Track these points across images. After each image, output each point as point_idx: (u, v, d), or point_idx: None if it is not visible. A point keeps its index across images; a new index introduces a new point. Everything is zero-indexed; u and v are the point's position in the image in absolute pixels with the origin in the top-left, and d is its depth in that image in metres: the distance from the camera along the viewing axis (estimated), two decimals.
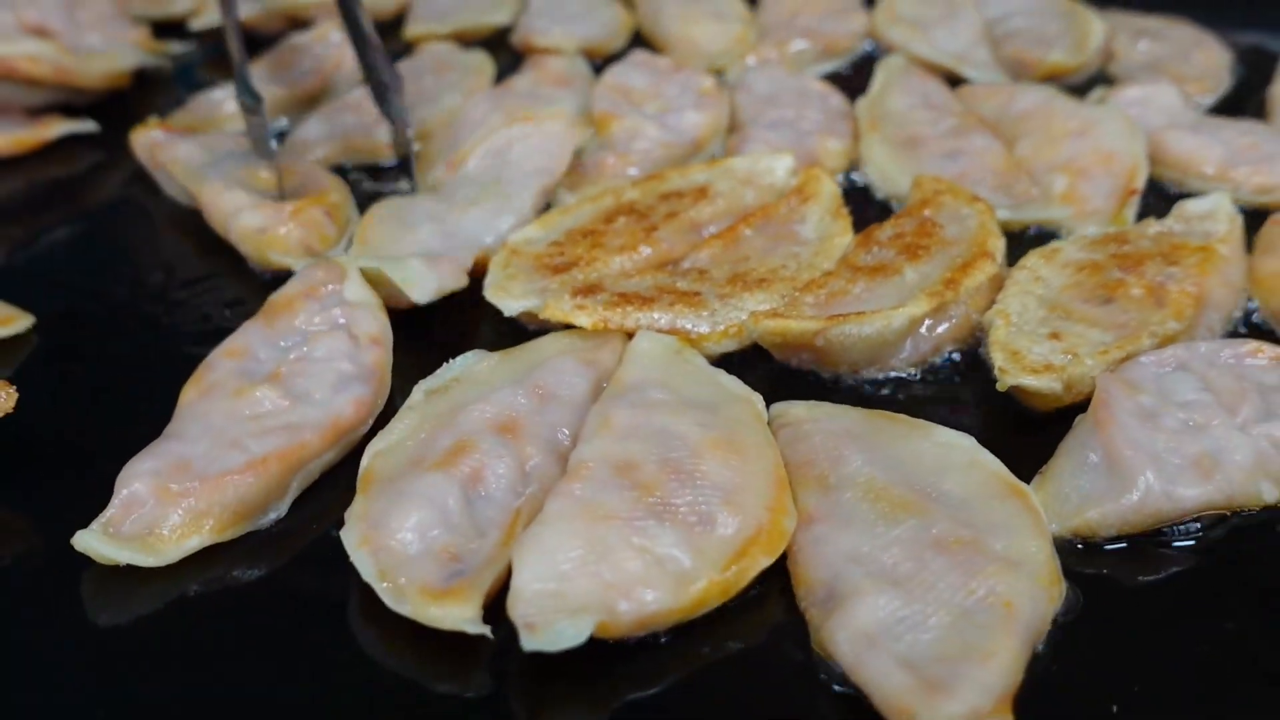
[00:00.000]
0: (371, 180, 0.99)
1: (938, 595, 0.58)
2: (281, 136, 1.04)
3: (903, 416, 0.70)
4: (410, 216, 0.86)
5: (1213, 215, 0.86)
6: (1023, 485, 0.66)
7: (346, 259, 0.81)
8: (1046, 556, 0.61)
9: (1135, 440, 0.65)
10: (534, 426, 0.68)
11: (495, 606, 0.59)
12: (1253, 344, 0.73)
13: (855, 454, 0.66)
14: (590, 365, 0.74)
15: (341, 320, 0.77)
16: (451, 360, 0.75)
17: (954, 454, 0.67)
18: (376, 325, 0.77)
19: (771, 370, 0.79)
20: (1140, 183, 0.93)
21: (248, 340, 0.75)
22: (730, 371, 0.75)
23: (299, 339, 0.76)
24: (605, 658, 0.58)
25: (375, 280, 0.81)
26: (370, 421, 0.73)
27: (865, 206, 0.93)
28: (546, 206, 0.92)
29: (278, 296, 0.79)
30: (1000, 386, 0.72)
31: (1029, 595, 0.58)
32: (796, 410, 0.72)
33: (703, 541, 0.60)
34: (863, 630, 0.56)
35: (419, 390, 0.72)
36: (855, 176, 0.99)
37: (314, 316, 0.77)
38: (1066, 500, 0.65)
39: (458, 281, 0.81)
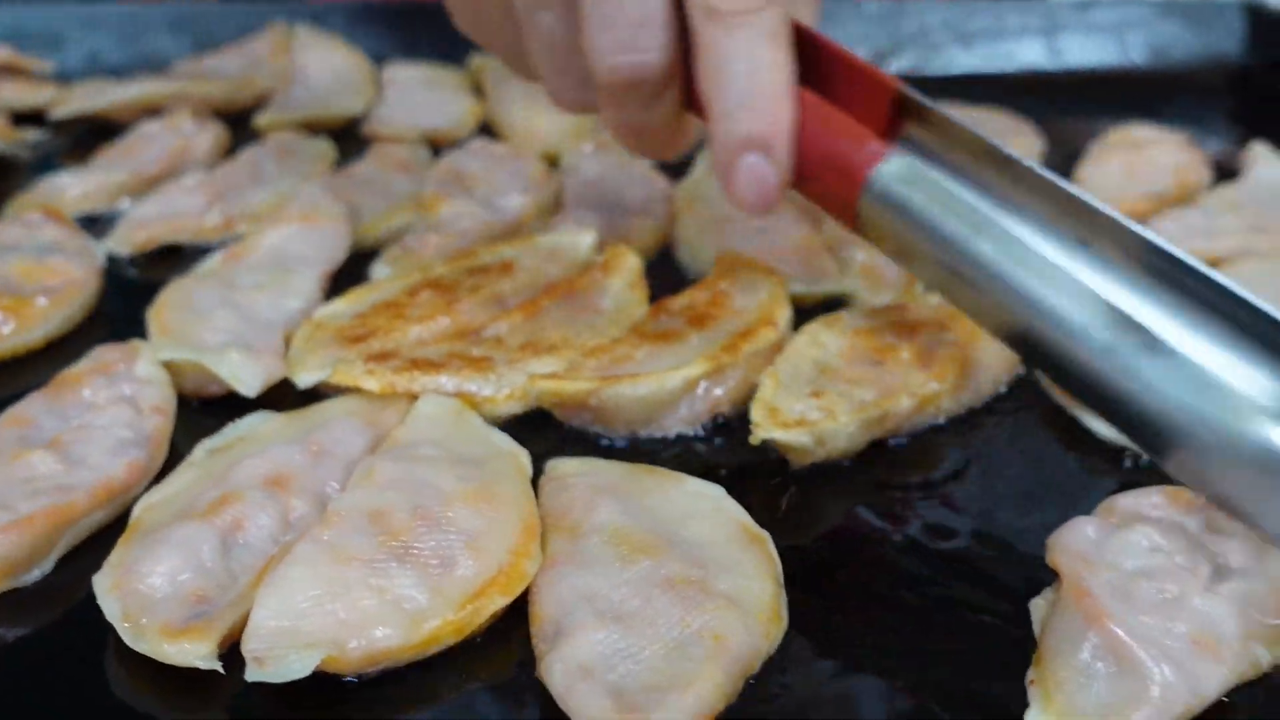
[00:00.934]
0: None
1: (656, 630, 0.60)
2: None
3: (661, 470, 0.74)
4: (200, 304, 0.89)
5: None
6: (762, 532, 0.69)
7: (152, 347, 0.84)
8: (770, 597, 0.64)
9: (1132, 628, 0.60)
10: (304, 480, 0.71)
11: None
12: (1167, 490, 0.69)
13: (608, 503, 0.70)
14: (371, 425, 0.77)
15: (128, 393, 0.80)
16: (238, 420, 0.78)
17: (700, 502, 0.70)
18: (160, 397, 0.80)
19: (561, 432, 0.82)
20: None
21: (31, 410, 0.78)
22: (520, 434, 0.78)
23: (82, 409, 0.78)
24: (347, 695, 0.61)
25: (181, 369, 0.84)
26: (144, 483, 0.75)
27: (673, 281, 0.98)
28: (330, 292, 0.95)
29: (67, 373, 0.82)
30: (753, 440, 0.76)
31: (742, 629, 0.61)
32: (567, 466, 0.75)
33: (441, 582, 0.63)
34: (578, 662, 0.59)
35: (200, 448, 0.75)
36: (666, 254, 1.03)
37: (101, 391, 0.80)
38: (1085, 714, 0.58)
39: (279, 371, 0.84)
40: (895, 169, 0.68)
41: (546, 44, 0.73)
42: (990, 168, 0.67)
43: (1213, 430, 0.59)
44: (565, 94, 0.76)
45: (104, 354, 0.83)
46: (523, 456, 0.75)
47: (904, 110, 0.68)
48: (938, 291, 0.73)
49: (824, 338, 0.85)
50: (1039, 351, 0.66)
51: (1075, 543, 0.66)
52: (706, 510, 0.70)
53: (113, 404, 0.78)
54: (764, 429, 0.75)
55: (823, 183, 0.70)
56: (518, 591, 0.65)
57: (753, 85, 0.66)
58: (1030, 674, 0.62)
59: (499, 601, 0.64)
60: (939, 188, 0.67)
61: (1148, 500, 0.70)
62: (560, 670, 0.59)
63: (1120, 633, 0.59)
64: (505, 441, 0.76)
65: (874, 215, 0.69)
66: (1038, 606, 0.66)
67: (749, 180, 0.68)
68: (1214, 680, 0.59)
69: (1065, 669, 0.60)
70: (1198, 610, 0.61)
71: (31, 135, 1.24)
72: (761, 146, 0.66)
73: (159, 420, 0.78)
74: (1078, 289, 0.63)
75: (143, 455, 0.75)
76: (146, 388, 0.80)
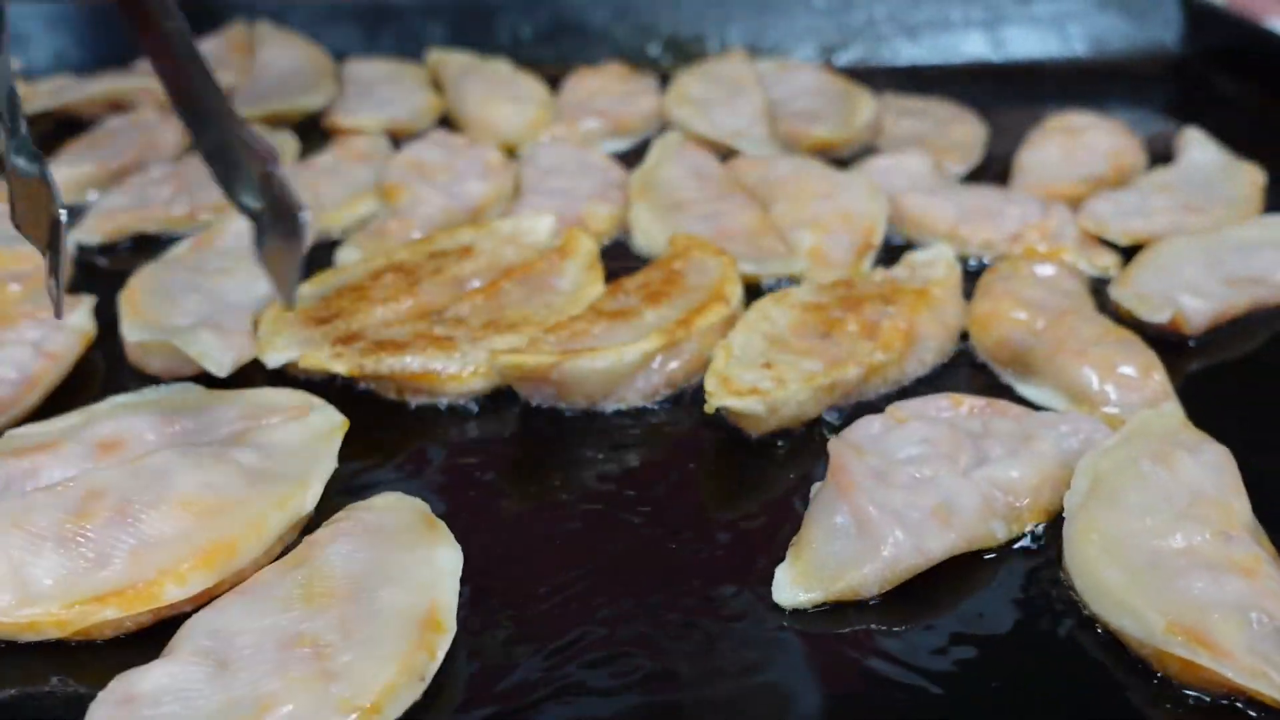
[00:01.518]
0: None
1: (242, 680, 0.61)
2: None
3: None
4: (171, 288, 0.92)
5: (933, 263, 0.95)
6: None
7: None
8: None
9: (878, 500, 0.70)
10: (126, 452, 0.74)
11: None
12: (951, 396, 0.80)
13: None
14: (245, 419, 0.78)
15: (36, 338, 0.85)
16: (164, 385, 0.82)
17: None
18: (61, 345, 0.85)
19: (525, 409, 0.85)
20: (877, 239, 1.02)
21: None
22: (486, 411, 0.84)
23: None
24: None
25: (154, 351, 0.87)
26: (2, 419, 0.80)
27: (628, 264, 1.01)
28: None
29: (10, 309, 0.87)
30: (708, 409, 0.79)
31: None
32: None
33: (78, 576, 0.65)
34: (127, 692, 0.60)
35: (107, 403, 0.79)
36: (622, 239, 1.07)
37: (24, 332, 0.85)
38: (824, 567, 0.69)
39: (249, 351, 0.87)
40: None
41: None
42: None
43: None
44: None
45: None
46: (309, 493, 0.73)
47: None
48: None
49: (773, 313, 0.89)
50: None
51: (856, 434, 0.77)
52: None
53: (18, 345, 0.84)
54: (718, 397, 0.79)
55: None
56: (134, 609, 0.64)
57: None
58: (793, 539, 0.71)
59: (108, 614, 0.64)
60: None
61: (934, 404, 0.80)
62: (103, 694, 0.59)
63: (863, 502, 0.70)
64: (320, 473, 0.75)
65: None
66: (816, 488, 0.75)
67: None
68: (940, 544, 0.70)
69: (816, 531, 0.70)
70: (944, 488, 0.72)
71: None
72: None
73: (45, 364, 0.83)
74: None
75: (6, 392, 0.81)
76: (56, 334, 0.85)
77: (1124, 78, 1.48)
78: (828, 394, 0.82)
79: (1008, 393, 0.87)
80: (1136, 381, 0.83)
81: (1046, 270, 0.96)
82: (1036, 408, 0.83)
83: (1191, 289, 0.94)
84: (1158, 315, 0.92)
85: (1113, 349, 0.85)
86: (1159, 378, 0.83)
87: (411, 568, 0.66)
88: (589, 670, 0.64)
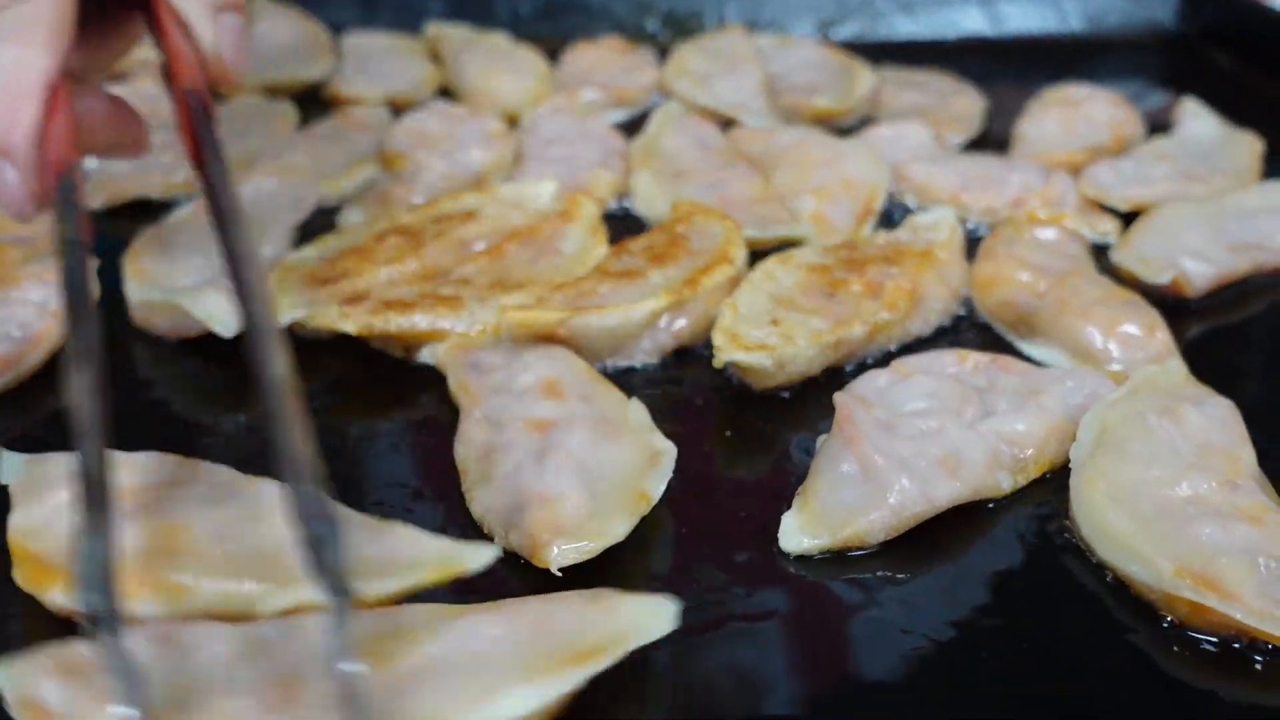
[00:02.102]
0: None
1: None
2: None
3: None
4: (175, 249, 0.91)
5: (936, 225, 0.96)
6: None
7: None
8: None
9: (884, 449, 0.71)
10: None
11: None
12: (958, 352, 0.81)
13: None
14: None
15: (40, 299, 0.85)
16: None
17: None
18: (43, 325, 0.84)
19: None
20: (878, 205, 1.03)
21: None
22: None
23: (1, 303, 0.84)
24: None
25: (159, 311, 0.86)
26: (8, 376, 0.81)
27: (630, 230, 1.01)
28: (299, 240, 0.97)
29: (21, 268, 0.87)
30: (716, 363, 0.80)
31: None
32: None
33: None
34: None
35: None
36: (625, 204, 1.07)
37: (30, 291, 0.85)
38: (832, 514, 0.69)
39: None
40: (62, 189, 0.63)
41: None
42: None
43: None
44: None
45: (55, 262, 0.87)
46: None
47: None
48: None
49: (778, 273, 0.89)
50: None
51: (862, 388, 0.77)
52: None
53: (22, 304, 0.84)
54: (726, 352, 0.79)
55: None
56: None
57: None
58: (799, 488, 0.71)
59: None
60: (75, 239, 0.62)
61: (940, 359, 0.80)
62: None
63: (870, 450, 0.70)
64: None
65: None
66: (822, 440, 0.75)
67: None
68: (946, 491, 0.70)
69: (822, 480, 0.71)
70: (951, 439, 0.72)
71: None
72: (2, 152, 0.63)
73: (50, 323, 0.83)
74: None
75: (10, 349, 0.81)
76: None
77: (1120, 53, 1.49)
78: (833, 351, 0.83)
79: (1011, 352, 0.87)
80: (1140, 339, 0.83)
81: (1048, 234, 0.97)
82: (1041, 366, 0.83)
83: (1193, 253, 0.95)
84: (1159, 277, 0.92)
85: (1116, 308, 0.85)
86: (1162, 336, 0.83)
87: None
88: None
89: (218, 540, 0.61)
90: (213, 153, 0.64)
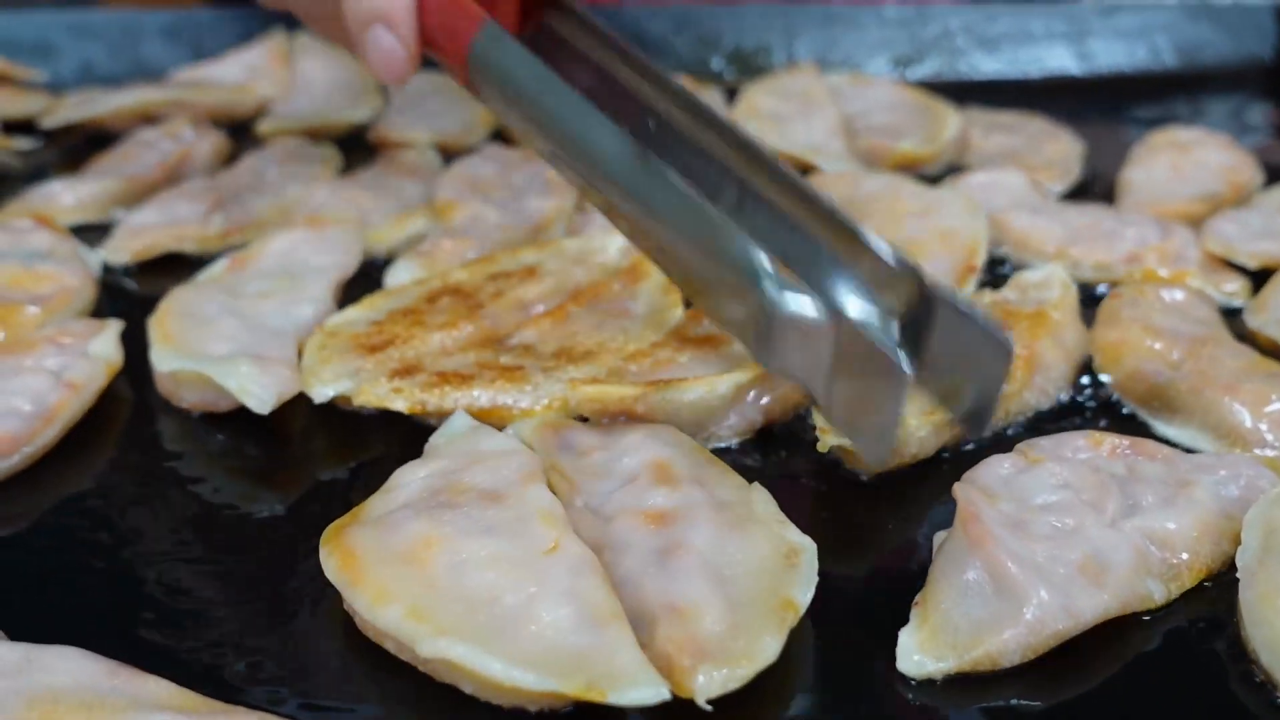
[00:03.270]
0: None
1: None
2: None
3: None
4: (205, 311, 0.82)
5: (1046, 284, 0.86)
6: None
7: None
8: None
9: (1016, 553, 0.61)
10: None
11: None
12: (1090, 434, 0.71)
13: None
14: None
15: (55, 366, 0.76)
16: None
17: None
18: (83, 374, 0.76)
19: None
20: (980, 260, 0.93)
21: None
22: None
23: (9, 371, 0.76)
24: None
25: (187, 382, 0.78)
26: (12, 455, 0.72)
27: None
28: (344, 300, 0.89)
29: (31, 335, 0.80)
30: (821, 448, 0.70)
31: None
32: None
33: None
34: None
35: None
36: None
37: (45, 359, 0.77)
38: (958, 631, 0.59)
39: (294, 386, 0.77)
40: (486, 37, 0.69)
41: None
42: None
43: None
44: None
45: (73, 326, 0.81)
46: None
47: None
48: (543, 158, 0.73)
49: None
50: (582, 176, 0.69)
51: (984, 476, 0.66)
52: None
53: (35, 373, 0.75)
54: (831, 435, 0.69)
55: (443, 52, 0.73)
56: None
57: None
58: (916, 598, 0.61)
59: None
60: (519, 55, 0.69)
61: (1070, 443, 0.69)
62: None
63: (1001, 555, 0.59)
64: None
65: (478, 80, 0.72)
66: (939, 538, 0.64)
67: (376, 53, 0.73)
68: (1092, 606, 0.60)
69: (946, 589, 0.60)
70: (1091, 540, 0.62)
71: (22, 144, 1.18)
72: (384, 20, 0.71)
73: (65, 394, 0.75)
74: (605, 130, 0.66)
75: (20, 427, 0.72)
76: (80, 362, 0.77)
77: (1219, 91, 1.38)
78: (947, 430, 0.73)
79: (1142, 431, 0.77)
80: None
81: (1175, 295, 0.87)
82: (1179, 449, 0.73)
83: None
84: None
85: (1264, 383, 0.75)
86: None
87: None
88: None
89: None
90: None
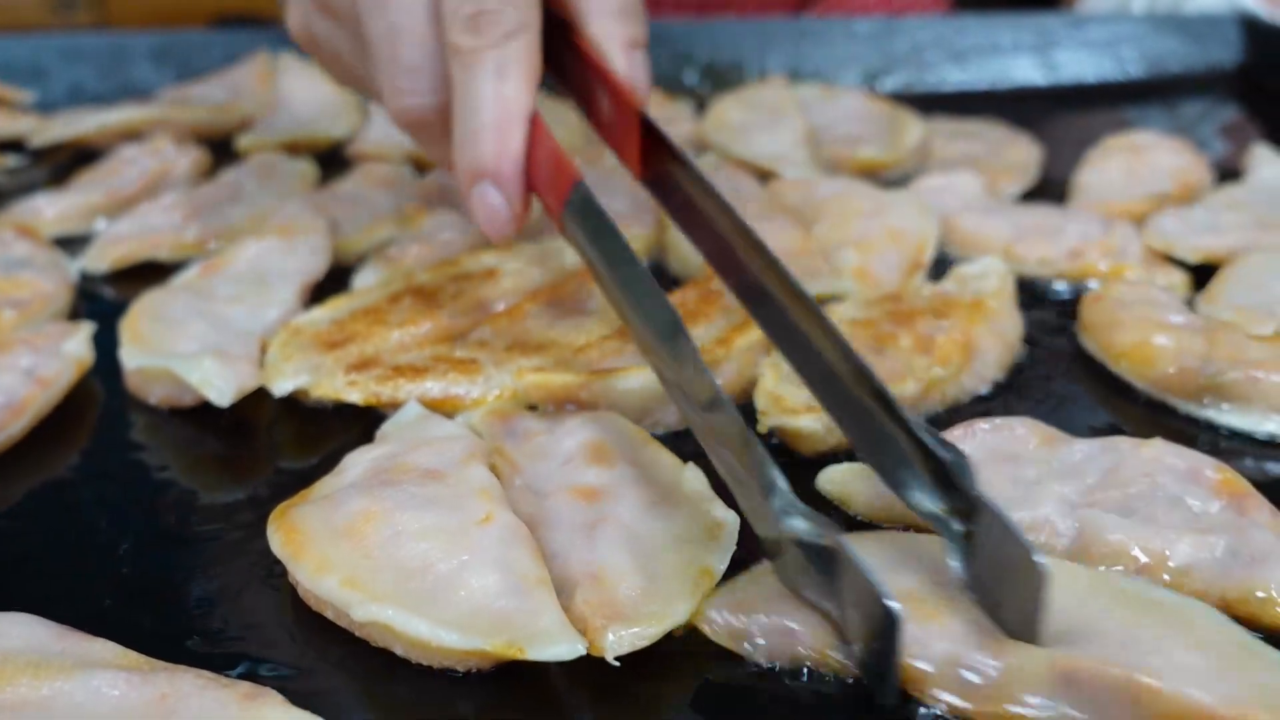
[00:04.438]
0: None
1: None
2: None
3: None
4: (175, 313, 0.86)
5: (984, 275, 0.89)
6: None
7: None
8: None
9: None
10: None
11: None
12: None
13: None
14: None
15: (28, 365, 0.79)
16: None
17: None
18: (53, 370, 0.79)
19: None
20: (927, 257, 0.96)
21: None
22: None
23: None
24: None
25: (154, 378, 0.81)
26: None
27: (667, 291, 0.94)
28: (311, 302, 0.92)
29: (6, 336, 0.82)
30: (760, 428, 0.73)
31: None
32: None
33: None
34: None
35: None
36: (656, 262, 1.01)
37: (19, 359, 0.79)
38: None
39: (254, 380, 0.80)
40: (576, 199, 0.70)
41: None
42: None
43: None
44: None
45: (47, 328, 0.84)
46: None
47: (654, 140, 0.72)
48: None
49: None
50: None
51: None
52: None
53: (8, 371, 0.79)
54: (771, 416, 0.73)
55: (543, 202, 0.73)
56: None
57: (481, 119, 0.70)
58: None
59: None
60: (599, 217, 0.69)
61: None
62: None
63: None
64: None
65: (567, 231, 0.72)
66: None
67: (482, 209, 0.72)
68: None
69: None
70: None
71: (10, 160, 1.22)
72: (491, 176, 0.71)
73: (35, 390, 0.78)
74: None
75: None
76: (51, 360, 0.80)
77: (1183, 99, 1.41)
78: None
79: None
80: None
81: (1145, 291, 0.89)
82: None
83: None
84: (1261, 328, 0.84)
85: None
86: None
87: None
88: None
89: None
90: (672, 152, 0.70)
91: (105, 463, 0.77)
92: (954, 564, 0.57)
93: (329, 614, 0.61)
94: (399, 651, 0.59)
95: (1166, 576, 0.61)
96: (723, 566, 0.61)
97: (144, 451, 0.78)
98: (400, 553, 0.60)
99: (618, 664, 0.56)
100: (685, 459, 0.70)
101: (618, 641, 0.56)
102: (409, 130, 0.78)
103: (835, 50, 1.46)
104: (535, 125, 0.72)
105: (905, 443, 0.59)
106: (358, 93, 0.89)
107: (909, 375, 0.77)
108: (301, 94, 1.33)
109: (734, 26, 1.47)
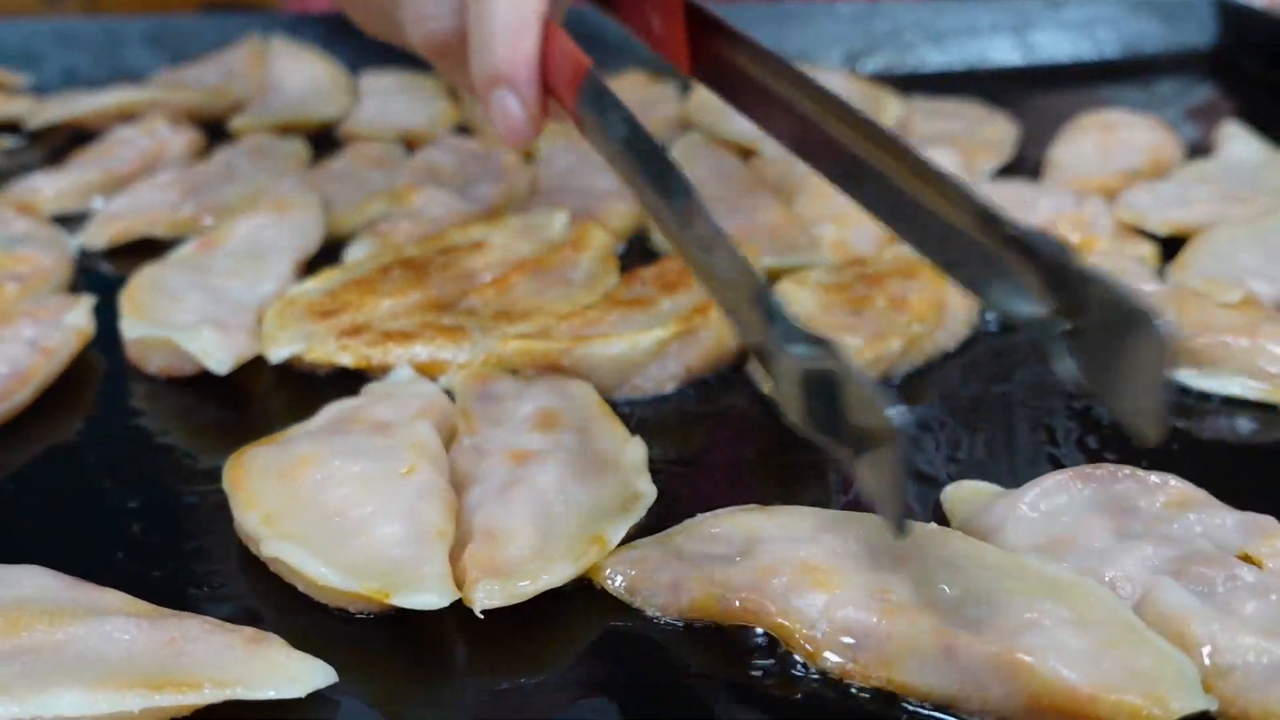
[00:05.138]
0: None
1: None
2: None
3: None
4: (173, 287, 0.88)
5: None
6: None
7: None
8: None
9: None
10: None
11: None
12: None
13: None
14: None
15: (31, 335, 0.82)
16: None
17: None
18: (56, 340, 0.82)
19: None
20: None
21: None
22: None
23: None
24: None
25: (153, 348, 0.84)
26: None
27: (648, 263, 0.97)
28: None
29: (10, 308, 0.85)
30: (766, 389, 0.77)
31: None
32: None
33: None
34: None
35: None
36: (641, 238, 1.03)
37: (22, 330, 0.82)
38: None
39: (251, 349, 0.83)
40: (589, 87, 0.70)
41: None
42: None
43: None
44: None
45: (50, 301, 0.86)
46: None
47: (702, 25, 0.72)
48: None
49: (799, 294, 0.86)
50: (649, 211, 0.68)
51: None
52: None
53: (12, 342, 0.81)
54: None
55: (561, 103, 0.73)
56: None
57: (492, 25, 0.70)
58: None
59: None
60: (617, 109, 0.69)
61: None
62: None
63: None
64: None
65: (584, 127, 0.72)
66: None
67: (500, 115, 0.73)
68: None
69: None
70: None
71: (8, 142, 1.24)
72: (507, 81, 0.71)
73: (39, 359, 0.80)
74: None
75: None
76: (54, 331, 0.82)
77: (1158, 80, 1.44)
78: (873, 369, 0.79)
79: None
80: None
81: (1116, 260, 0.92)
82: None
83: (1255, 273, 0.90)
84: (1229, 296, 0.87)
85: (1273, 324, 0.81)
86: None
87: None
88: None
89: None
90: (726, 33, 0.72)
91: (108, 429, 0.80)
92: (1065, 367, 0.55)
93: (253, 549, 0.65)
94: (300, 589, 0.62)
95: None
96: (618, 536, 0.63)
97: (144, 418, 0.81)
98: (323, 496, 0.64)
99: (482, 616, 0.59)
100: (636, 431, 0.73)
101: (487, 595, 0.59)
102: (432, 57, 0.79)
103: (817, 32, 1.48)
104: (548, 26, 0.72)
105: (1011, 252, 0.57)
106: (381, 37, 0.91)
107: (891, 333, 0.80)
108: (293, 77, 1.36)
109: (718, 10, 1.49)
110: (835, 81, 1.33)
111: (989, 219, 0.58)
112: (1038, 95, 1.40)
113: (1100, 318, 0.53)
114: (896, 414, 0.51)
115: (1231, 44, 1.48)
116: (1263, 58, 1.43)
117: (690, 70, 0.74)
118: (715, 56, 0.72)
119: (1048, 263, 0.55)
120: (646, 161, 0.66)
